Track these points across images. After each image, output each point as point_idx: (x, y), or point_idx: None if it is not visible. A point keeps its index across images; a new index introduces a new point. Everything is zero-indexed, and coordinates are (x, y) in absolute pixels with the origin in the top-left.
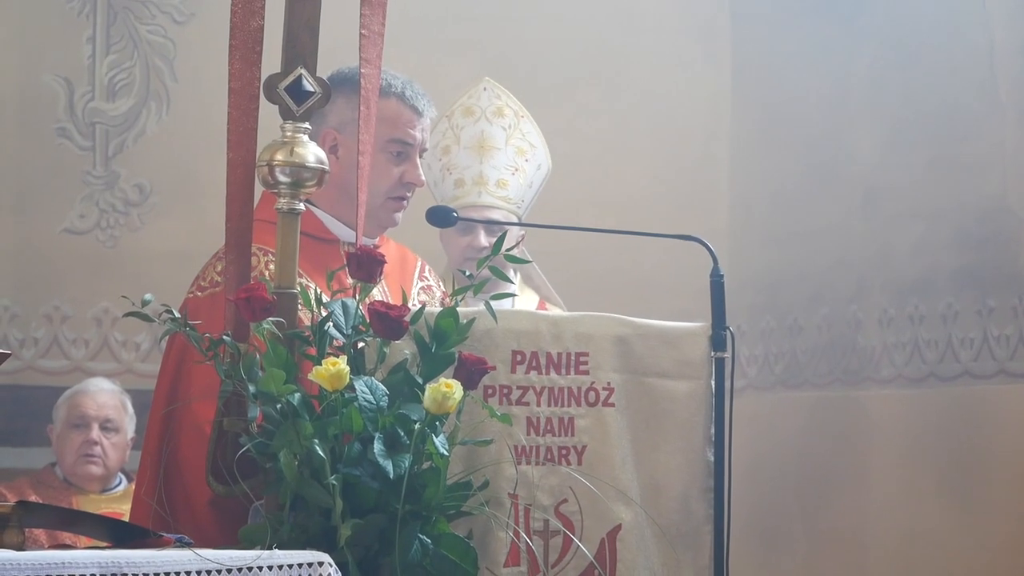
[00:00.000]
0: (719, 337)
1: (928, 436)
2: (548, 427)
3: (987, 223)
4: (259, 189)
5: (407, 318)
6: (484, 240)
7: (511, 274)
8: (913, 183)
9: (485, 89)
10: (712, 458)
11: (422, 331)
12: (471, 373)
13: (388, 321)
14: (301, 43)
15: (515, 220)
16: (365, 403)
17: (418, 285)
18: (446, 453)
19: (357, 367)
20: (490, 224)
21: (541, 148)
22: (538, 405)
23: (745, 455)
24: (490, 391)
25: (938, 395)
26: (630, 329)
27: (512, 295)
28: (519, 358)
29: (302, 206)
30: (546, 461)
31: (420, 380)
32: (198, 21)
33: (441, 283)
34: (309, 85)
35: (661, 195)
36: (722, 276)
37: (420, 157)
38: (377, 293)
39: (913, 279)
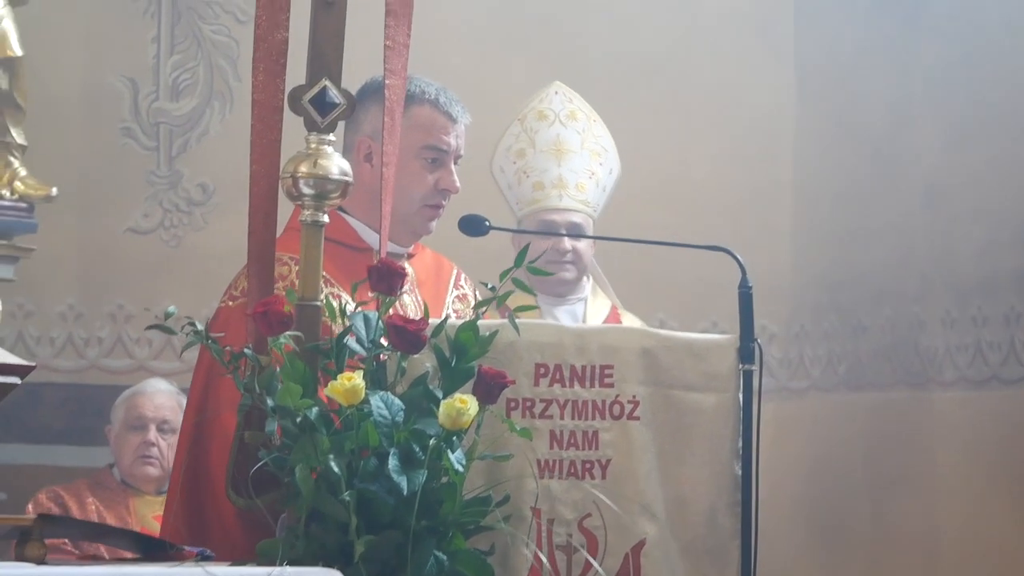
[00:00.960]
0: (747, 349)
1: (992, 438)
2: (572, 440)
3: None
4: (284, 201)
5: (426, 331)
6: (568, 243)
7: (585, 281)
8: (976, 182)
9: (557, 93)
10: (740, 472)
11: (444, 344)
12: (490, 387)
13: (406, 335)
14: (326, 55)
15: (591, 224)
16: (380, 418)
17: (453, 294)
18: (462, 469)
19: (378, 380)
20: (572, 226)
21: (612, 152)
22: (562, 418)
23: (808, 457)
24: (513, 404)
25: (1001, 398)
26: (656, 341)
27: (535, 307)
28: (542, 371)
29: (326, 218)
30: (569, 475)
31: (440, 394)
32: None
33: (478, 291)
34: (334, 97)
35: (725, 192)
36: (750, 288)
37: (455, 163)
38: (410, 302)
39: (976, 280)
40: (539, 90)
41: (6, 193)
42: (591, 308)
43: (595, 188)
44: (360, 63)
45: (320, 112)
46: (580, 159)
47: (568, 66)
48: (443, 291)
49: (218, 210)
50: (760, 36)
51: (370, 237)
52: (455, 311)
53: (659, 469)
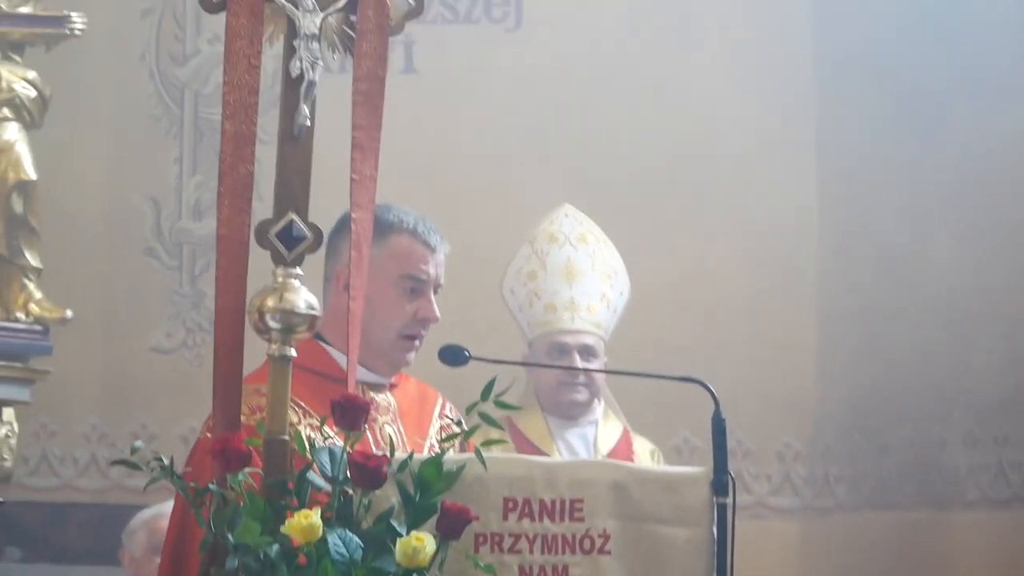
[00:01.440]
0: (720, 482)
1: (1015, 558)
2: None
3: None
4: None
5: (387, 467)
6: (579, 365)
7: (597, 404)
8: (994, 300)
9: (567, 215)
10: None
11: (408, 480)
12: (453, 523)
13: (366, 471)
14: (292, 188)
15: (602, 346)
16: (338, 556)
17: (437, 424)
18: None
19: (344, 516)
20: (584, 348)
21: (623, 274)
22: (531, 553)
23: None
24: (481, 539)
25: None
26: (627, 474)
27: (504, 442)
28: (511, 505)
29: (293, 351)
30: None
31: (403, 530)
32: None
33: (464, 421)
34: (300, 231)
35: (749, 306)
36: (724, 420)
37: (435, 293)
38: (392, 433)
39: (998, 399)
40: (549, 212)
41: (21, 316)
42: (603, 431)
43: (606, 310)
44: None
45: (286, 246)
46: (591, 281)
47: (583, 183)
48: (427, 422)
49: None
50: (783, 149)
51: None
52: (438, 443)
53: None
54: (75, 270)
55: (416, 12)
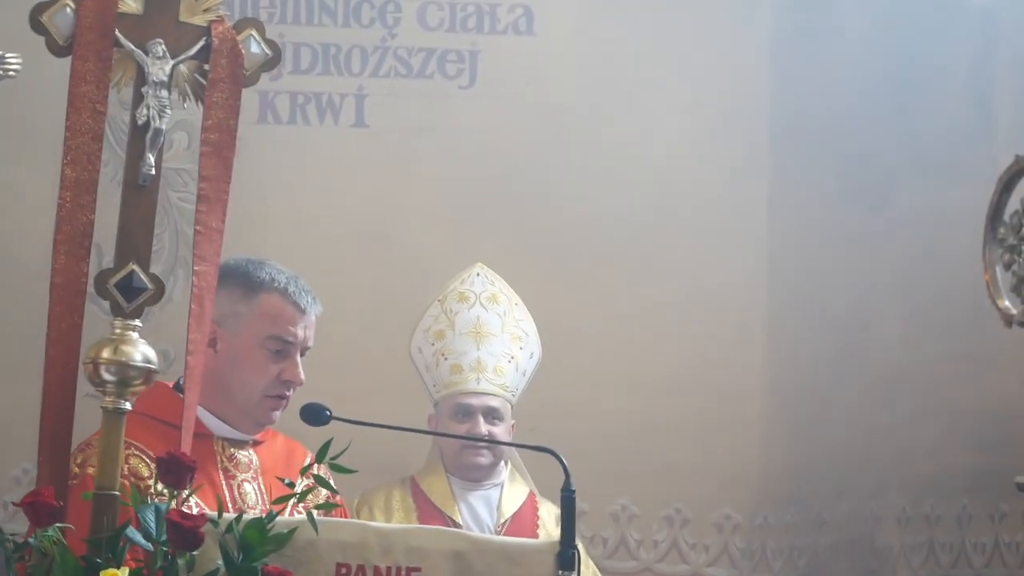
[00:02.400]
0: (567, 556)
1: None
2: None
3: (1005, 424)
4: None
5: (211, 527)
6: (484, 428)
7: (502, 467)
8: (931, 380)
9: (478, 275)
10: None
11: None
12: None
13: (182, 531)
14: (134, 238)
15: (509, 408)
16: None
17: (303, 482)
18: None
19: None
20: (489, 410)
21: (534, 336)
22: None
23: None
24: None
25: None
26: (469, 544)
27: (337, 505)
28: (344, 571)
29: (128, 405)
30: None
31: None
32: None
33: (331, 481)
34: (141, 281)
35: (695, 378)
36: (573, 491)
37: (302, 355)
38: (250, 491)
39: (929, 479)
40: (461, 271)
41: None
42: (507, 494)
43: (514, 372)
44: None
45: (126, 297)
46: (500, 342)
47: (533, 246)
48: (292, 478)
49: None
50: (735, 215)
51: (211, 423)
52: (303, 502)
53: None
54: (15, 317)
55: (273, 63)
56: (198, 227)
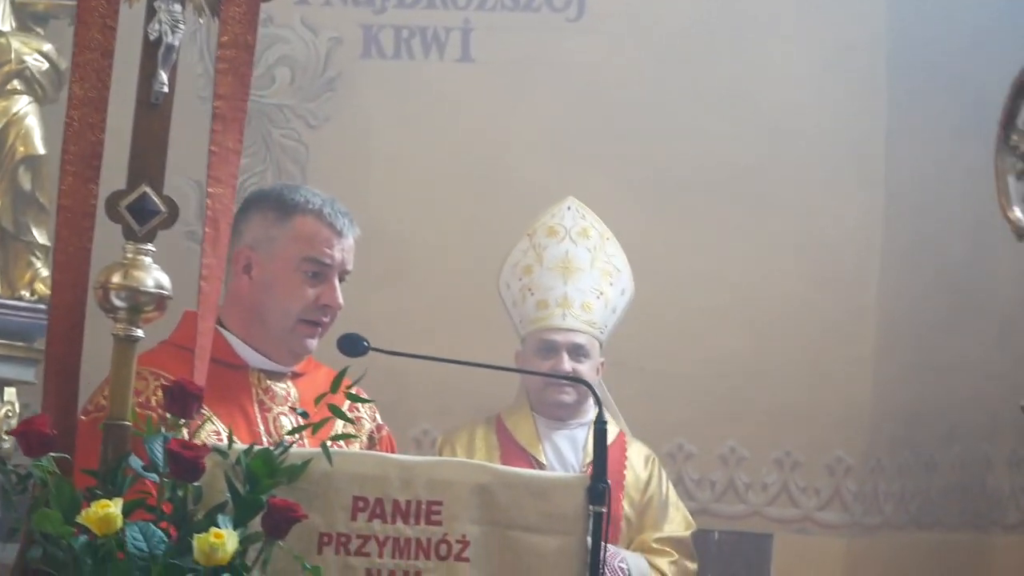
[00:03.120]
0: (597, 490)
1: None
2: None
3: None
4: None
5: (216, 457)
6: (568, 364)
7: (589, 405)
8: None
9: (569, 208)
10: None
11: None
12: (278, 521)
13: (182, 461)
14: (147, 159)
15: (597, 345)
16: (135, 551)
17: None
18: None
19: (179, 508)
20: (574, 347)
21: (626, 273)
22: (380, 557)
23: None
24: (326, 539)
25: None
26: (493, 477)
27: (353, 436)
28: (361, 504)
29: (140, 332)
30: None
31: (228, 526)
32: (332, 125)
33: (377, 415)
34: (154, 204)
35: (807, 317)
36: (605, 423)
37: (342, 280)
38: (287, 424)
39: None
40: (552, 205)
41: (26, 294)
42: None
43: (603, 308)
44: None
45: (138, 220)
46: (589, 278)
47: (647, 185)
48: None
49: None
50: (850, 157)
51: (246, 353)
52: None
53: None
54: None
55: None
56: (213, 147)
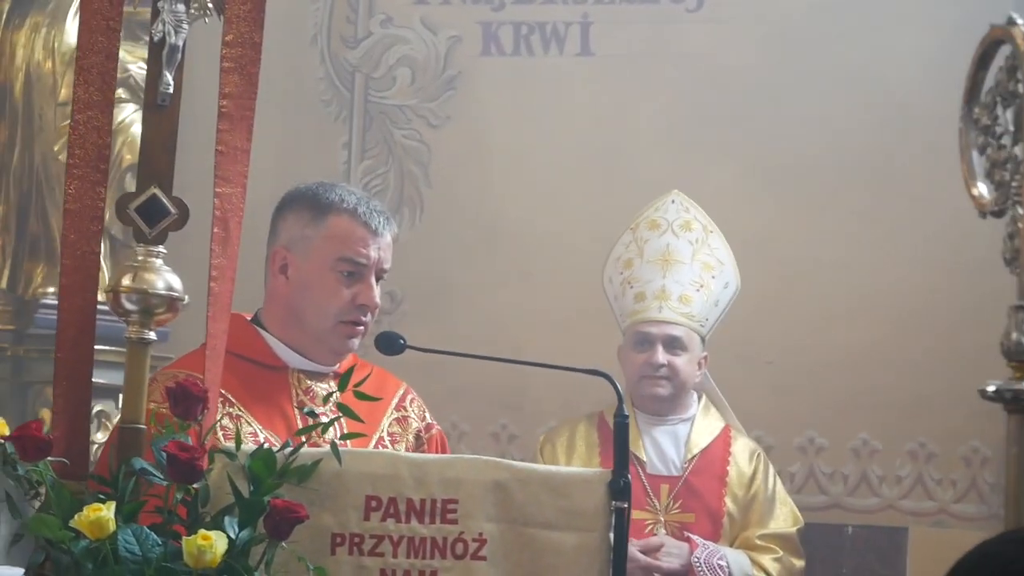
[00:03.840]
0: (618, 485)
1: None
2: None
3: None
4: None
5: (222, 461)
6: (662, 357)
7: (692, 398)
8: None
9: (673, 202)
10: None
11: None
12: (280, 521)
13: (178, 463)
14: (156, 160)
15: (696, 339)
16: (127, 554)
17: (391, 416)
18: None
19: (191, 510)
20: (671, 340)
21: (730, 265)
22: (395, 556)
23: None
24: (339, 540)
25: None
26: (509, 474)
27: (362, 435)
28: (374, 504)
29: (153, 335)
30: None
31: (233, 528)
32: (453, 124)
33: (427, 414)
34: (164, 206)
35: (939, 305)
36: (626, 417)
37: (379, 279)
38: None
39: None
40: (656, 198)
41: None
42: (698, 428)
43: (703, 301)
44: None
45: (148, 222)
46: (689, 270)
47: (768, 172)
48: (379, 414)
49: (406, 319)
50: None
51: (285, 354)
52: (390, 434)
53: None
54: (245, 257)
55: None
56: (220, 147)
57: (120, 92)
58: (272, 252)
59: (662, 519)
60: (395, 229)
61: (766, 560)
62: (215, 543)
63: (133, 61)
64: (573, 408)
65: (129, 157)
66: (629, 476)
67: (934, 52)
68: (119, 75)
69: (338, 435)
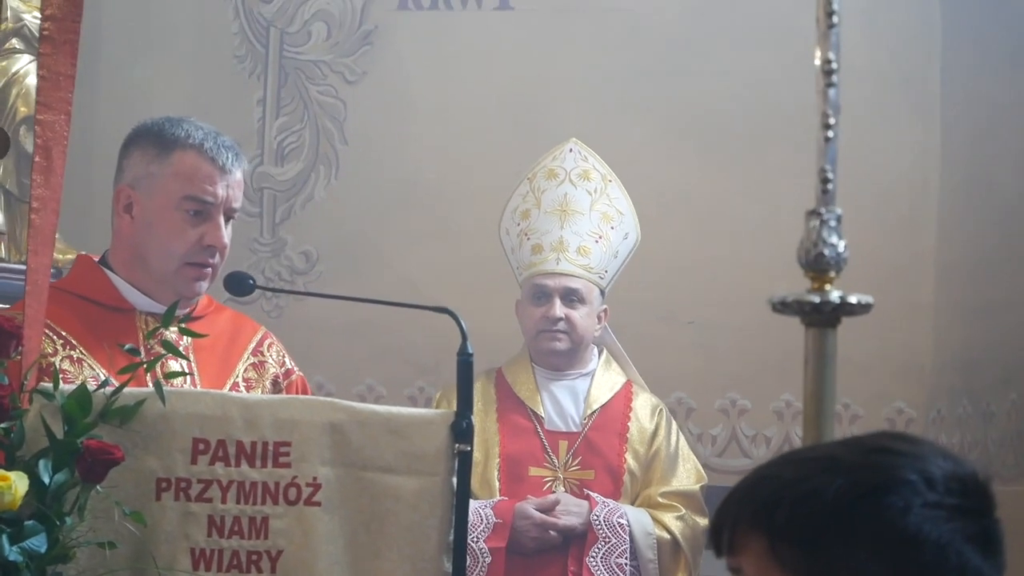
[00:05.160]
0: (461, 427)
1: None
2: (236, 528)
3: None
4: None
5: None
6: (559, 310)
7: (592, 352)
8: None
9: (571, 150)
10: (450, 569)
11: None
12: (92, 464)
13: None
14: None
15: (595, 291)
16: None
17: (247, 361)
18: (18, 558)
19: (9, 451)
20: (569, 292)
21: (629, 216)
22: (224, 502)
23: None
24: (164, 484)
25: None
26: (347, 415)
27: (186, 373)
28: (201, 447)
29: None
30: (232, 568)
31: (47, 470)
32: (370, 80)
33: (287, 359)
34: None
35: (863, 259)
36: (470, 355)
37: (229, 218)
38: (176, 368)
39: None
40: (553, 147)
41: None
42: (597, 384)
43: (602, 253)
44: None
45: None
46: (587, 221)
47: (688, 125)
48: (235, 358)
49: (322, 279)
50: (905, 94)
51: (133, 296)
52: (246, 380)
53: (348, 563)
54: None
55: None
56: (42, 72)
57: (14, 42)
58: (117, 190)
59: (561, 476)
60: (245, 165)
61: (668, 518)
62: (14, 483)
63: (27, 11)
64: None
65: (24, 109)
66: (472, 417)
67: (858, 3)
68: (12, 25)
69: (191, 378)
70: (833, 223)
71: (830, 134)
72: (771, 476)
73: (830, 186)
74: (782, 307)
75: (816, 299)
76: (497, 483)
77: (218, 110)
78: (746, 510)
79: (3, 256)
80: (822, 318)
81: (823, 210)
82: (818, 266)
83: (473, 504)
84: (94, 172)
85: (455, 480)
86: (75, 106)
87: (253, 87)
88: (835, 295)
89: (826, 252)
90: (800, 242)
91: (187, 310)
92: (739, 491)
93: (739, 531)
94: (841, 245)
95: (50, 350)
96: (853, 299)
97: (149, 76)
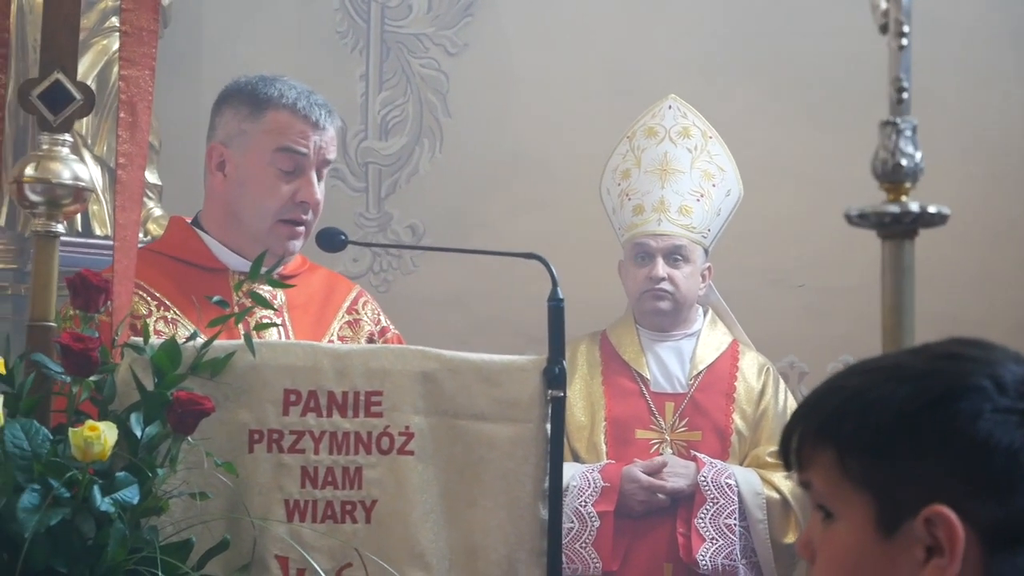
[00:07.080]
0: (553, 372)
1: None
2: (329, 478)
3: None
4: None
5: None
6: (662, 270)
7: (696, 312)
8: None
9: (670, 107)
10: (546, 516)
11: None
12: (182, 415)
13: (73, 355)
14: (59, 44)
15: (699, 251)
16: (15, 449)
17: (342, 319)
18: (110, 508)
19: (103, 404)
20: (671, 251)
21: (731, 172)
22: (316, 453)
23: None
24: (256, 436)
25: None
26: (438, 364)
27: (276, 324)
28: (293, 398)
29: (61, 227)
30: (326, 519)
31: (139, 423)
32: (471, 51)
33: (382, 317)
34: (69, 91)
35: (971, 218)
36: (562, 300)
37: (321, 176)
38: (272, 329)
39: None
40: (652, 104)
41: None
42: (703, 344)
43: (704, 211)
44: None
45: (52, 109)
46: (688, 180)
47: (794, 88)
48: (329, 316)
49: (428, 253)
50: (1010, 48)
51: (225, 256)
52: (340, 338)
53: (442, 512)
54: None
55: None
56: (124, 27)
57: (113, 20)
58: (209, 148)
59: (668, 438)
60: (339, 122)
61: (777, 478)
62: (103, 434)
63: None
64: None
65: None
66: (565, 363)
67: None
68: (112, 3)
69: (285, 336)
70: (909, 133)
71: (904, 42)
72: (837, 387)
73: (905, 95)
74: (859, 220)
75: (896, 209)
76: (604, 446)
77: (321, 86)
78: (812, 423)
79: (110, 234)
80: (900, 229)
81: (899, 120)
82: (895, 177)
83: (580, 468)
84: (203, 153)
85: (549, 426)
86: (178, 89)
87: (355, 62)
88: (914, 205)
89: (904, 162)
90: (875, 152)
91: (280, 269)
92: (807, 404)
93: (807, 445)
94: (918, 156)
95: (144, 311)
96: (932, 209)
97: (251, 53)
